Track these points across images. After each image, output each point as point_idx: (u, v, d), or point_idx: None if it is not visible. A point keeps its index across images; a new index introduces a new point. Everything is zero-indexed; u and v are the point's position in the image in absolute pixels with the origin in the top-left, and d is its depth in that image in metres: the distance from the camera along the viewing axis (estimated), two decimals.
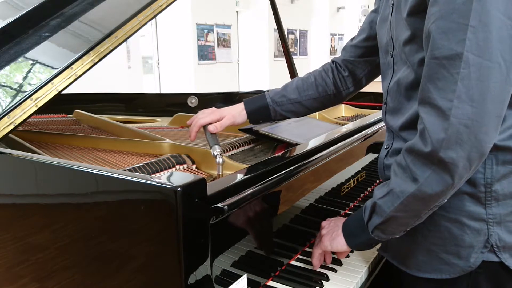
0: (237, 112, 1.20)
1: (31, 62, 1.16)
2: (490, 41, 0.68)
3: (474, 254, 0.83)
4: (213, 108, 1.22)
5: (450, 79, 0.71)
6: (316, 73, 1.24)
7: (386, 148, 0.98)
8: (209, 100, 2.30)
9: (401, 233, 0.87)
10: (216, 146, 1.07)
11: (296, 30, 11.01)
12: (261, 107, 1.21)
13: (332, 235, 0.97)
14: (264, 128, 1.43)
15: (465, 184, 0.80)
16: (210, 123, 1.18)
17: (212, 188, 0.79)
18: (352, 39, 1.23)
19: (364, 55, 1.19)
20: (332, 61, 1.25)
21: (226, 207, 0.79)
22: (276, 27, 2.26)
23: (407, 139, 0.89)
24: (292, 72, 2.23)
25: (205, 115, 1.19)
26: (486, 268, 0.83)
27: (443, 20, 0.71)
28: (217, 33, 8.46)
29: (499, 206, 0.81)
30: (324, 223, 1.03)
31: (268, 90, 1.26)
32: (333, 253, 1.04)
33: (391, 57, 0.95)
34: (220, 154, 1.04)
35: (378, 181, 1.52)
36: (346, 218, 0.99)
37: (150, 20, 1.18)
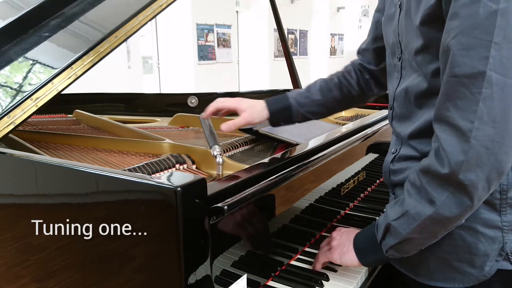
0: (256, 112, 1.13)
1: (31, 62, 1.16)
2: None
3: (489, 263, 0.81)
4: (233, 97, 1.16)
5: (471, 99, 0.68)
6: (339, 75, 1.21)
7: (393, 153, 0.96)
8: (209, 100, 2.28)
9: (415, 251, 0.84)
10: (216, 146, 1.07)
11: (296, 30, 11.00)
12: (284, 108, 1.15)
13: (343, 249, 0.94)
14: (264, 128, 1.43)
15: None
16: (228, 109, 1.13)
17: (212, 188, 0.79)
18: (363, 42, 1.21)
19: (379, 61, 1.15)
20: (352, 64, 1.22)
21: (226, 207, 0.79)
22: (276, 27, 2.26)
23: (416, 147, 0.88)
24: (292, 72, 2.23)
25: (226, 99, 1.13)
26: (500, 276, 0.81)
27: (464, 35, 0.67)
28: (217, 33, 8.45)
29: None
30: (335, 234, 0.99)
31: (270, 90, 1.24)
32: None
33: (399, 60, 0.92)
34: (220, 154, 1.04)
35: (378, 181, 1.52)
36: (357, 232, 0.96)
37: (150, 20, 1.18)
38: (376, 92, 1.22)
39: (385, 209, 0.88)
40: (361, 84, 1.19)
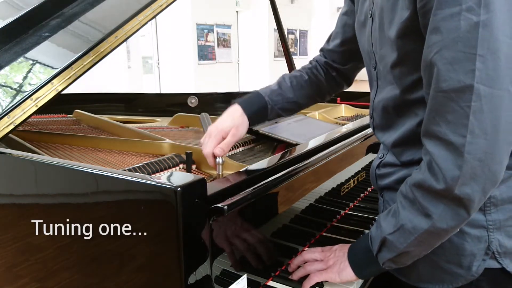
0: (239, 122, 1.07)
1: (31, 62, 1.16)
2: (499, 69, 0.65)
3: (476, 263, 0.81)
4: (212, 129, 1.06)
5: (461, 113, 0.67)
6: (308, 71, 1.20)
7: (380, 158, 0.96)
8: (209, 100, 2.30)
9: (412, 261, 0.84)
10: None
11: (296, 30, 11.01)
12: (260, 107, 1.12)
13: (340, 266, 0.91)
14: (264, 128, 1.43)
15: None
16: (220, 139, 1.05)
17: (212, 188, 0.79)
18: (328, 42, 1.20)
19: (345, 61, 1.16)
20: (317, 61, 1.21)
21: (226, 207, 0.79)
22: (276, 27, 2.26)
23: (399, 157, 0.88)
24: None
25: (209, 140, 1.05)
26: (488, 275, 0.81)
27: (448, 50, 0.67)
28: (217, 33, 8.47)
29: (498, 211, 0.80)
30: (327, 254, 0.95)
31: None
32: None
33: (374, 70, 0.92)
34: None
35: None
36: (349, 246, 0.94)
37: (150, 20, 1.18)
38: (346, 87, 1.24)
39: (376, 219, 0.87)
40: (329, 81, 1.20)
